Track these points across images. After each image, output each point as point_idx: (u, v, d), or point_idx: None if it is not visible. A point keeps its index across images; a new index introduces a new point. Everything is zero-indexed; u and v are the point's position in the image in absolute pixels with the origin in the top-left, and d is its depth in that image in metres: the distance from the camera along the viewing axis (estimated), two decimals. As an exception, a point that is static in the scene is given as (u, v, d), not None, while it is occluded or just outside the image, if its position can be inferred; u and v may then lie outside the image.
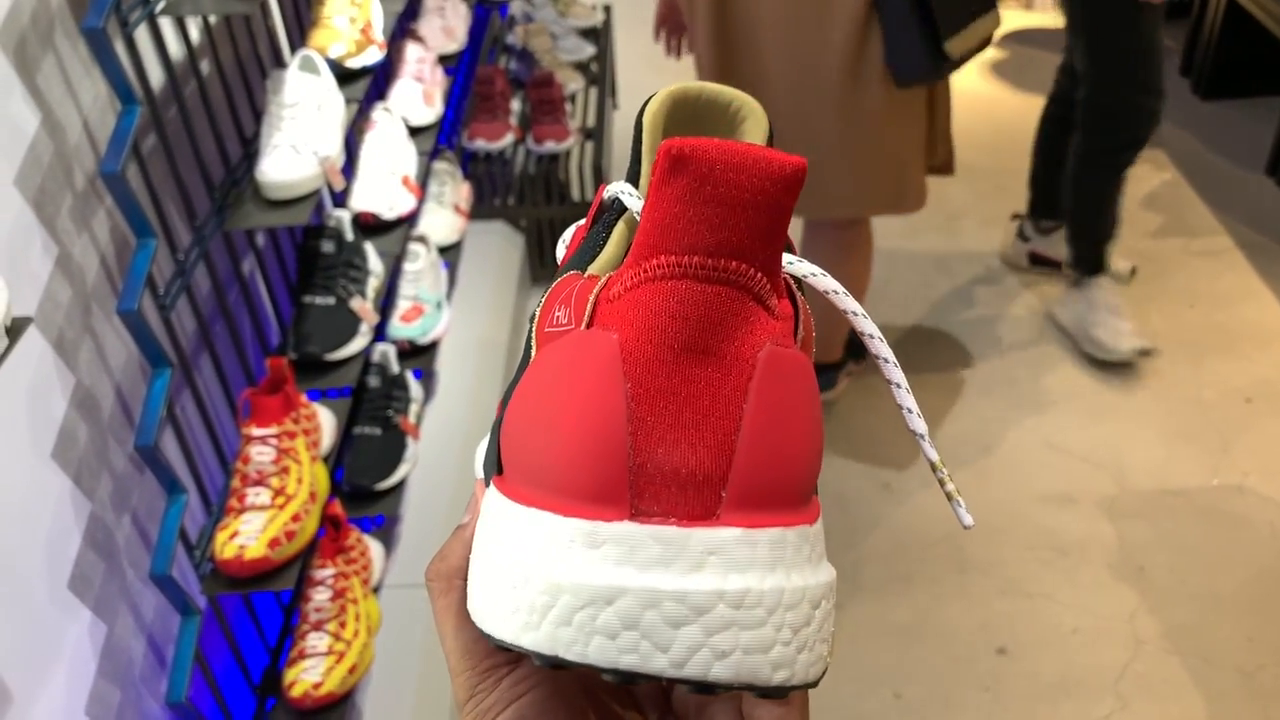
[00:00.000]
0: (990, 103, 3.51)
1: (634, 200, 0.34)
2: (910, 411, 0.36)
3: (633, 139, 0.36)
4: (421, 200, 1.93)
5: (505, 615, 0.27)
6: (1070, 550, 2.02)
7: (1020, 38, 3.90)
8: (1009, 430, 2.28)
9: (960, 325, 2.58)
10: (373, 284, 1.66)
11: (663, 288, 0.27)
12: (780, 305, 0.28)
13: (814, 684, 0.28)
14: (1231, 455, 2.19)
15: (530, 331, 0.33)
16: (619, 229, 0.34)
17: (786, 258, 0.32)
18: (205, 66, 1.46)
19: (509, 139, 2.62)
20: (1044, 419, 2.30)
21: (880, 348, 0.35)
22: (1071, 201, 2.41)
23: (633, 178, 0.35)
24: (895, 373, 0.35)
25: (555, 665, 0.26)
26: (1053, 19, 4.03)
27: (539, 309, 0.32)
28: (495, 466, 0.32)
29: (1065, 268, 2.56)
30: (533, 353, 0.32)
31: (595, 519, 0.26)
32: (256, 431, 1.30)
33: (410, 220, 1.86)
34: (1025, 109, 3.45)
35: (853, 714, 1.78)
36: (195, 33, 1.44)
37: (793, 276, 0.33)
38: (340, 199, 1.78)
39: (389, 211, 1.79)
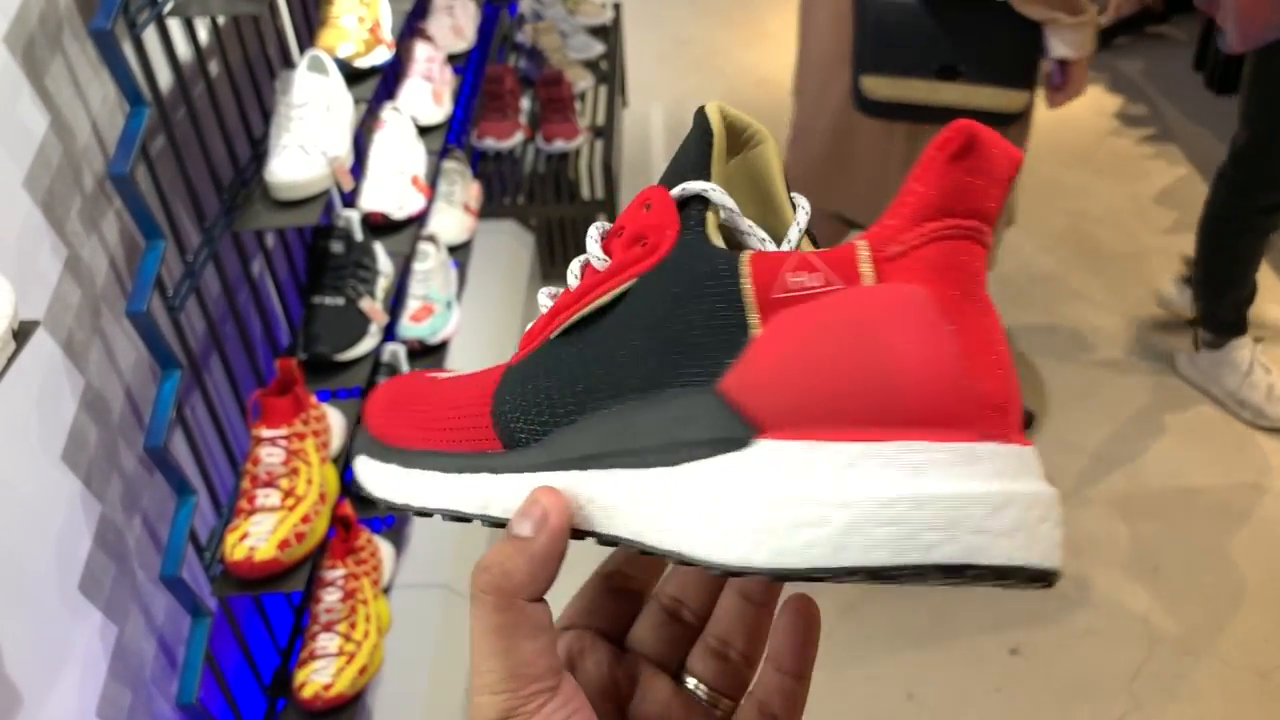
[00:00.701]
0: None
1: (720, 194, 0.37)
2: None
3: (695, 140, 0.38)
4: (431, 200, 1.93)
5: (879, 541, 0.30)
6: (1084, 550, 2.01)
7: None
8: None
9: (972, 323, 2.56)
10: (382, 284, 1.66)
11: (952, 246, 0.32)
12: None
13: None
14: (1247, 453, 2.17)
15: (733, 293, 0.34)
16: (709, 220, 0.37)
17: None
18: (214, 67, 1.46)
19: (518, 138, 2.62)
20: (1057, 417, 2.29)
21: None
22: (1214, 261, 2.24)
23: (696, 174, 0.37)
24: None
25: (954, 571, 0.30)
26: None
27: (744, 282, 0.34)
28: (733, 431, 0.33)
29: (1195, 327, 2.39)
30: (752, 321, 0.34)
31: (967, 440, 0.31)
32: (266, 433, 1.30)
33: (420, 220, 1.85)
34: (1036, 105, 3.44)
35: (866, 714, 1.78)
36: (204, 34, 1.44)
37: None
38: (349, 199, 1.78)
39: (398, 211, 1.79)
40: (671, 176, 0.38)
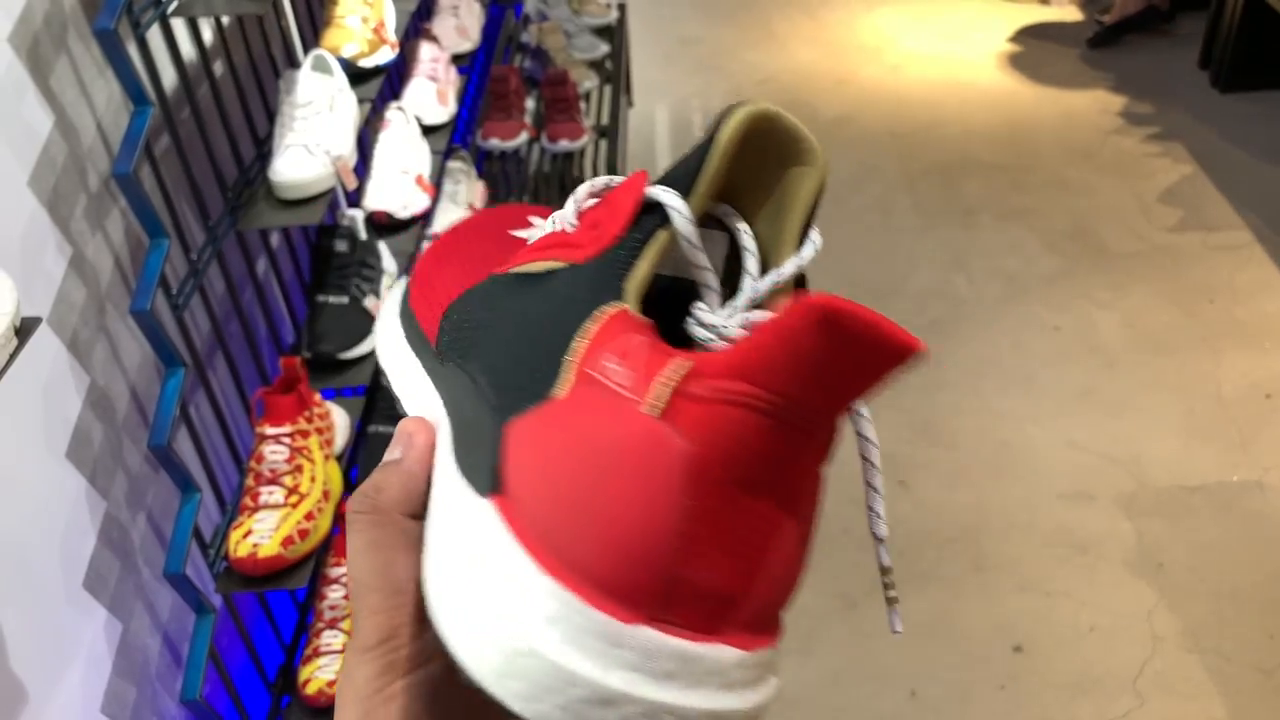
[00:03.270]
0: (1006, 97, 3.49)
1: (683, 221, 0.32)
2: (881, 518, 0.36)
3: (702, 147, 0.33)
4: (435, 199, 1.93)
5: (498, 672, 0.28)
6: (1088, 547, 2.01)
7: (1036, 32, 3.88)
8: (1026, 427, 2.26)
9: (977, 321, 2.56)
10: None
11: (751, 420, 0.27)
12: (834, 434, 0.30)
13: None
14: (1251, 451, 2.17)
15: (568, 343, 0.31)
16: (659, 239, 0.32)
17: None
18: (218, 67, 1.47)
19: (523, 137, 2.62)
20: (1062, 416, 2.29)
21: (870, 450, 0.35)
22: None
23: (683, 186, 0.33)
24: (875, 476, 0.36)
25: None
26: (1067, 14, 4.00)
27: (580, 340, 0.31)
28: (486, 474, 0.31)
29: None
30: (565, 380, 0.30)
31: (619, 619, 0.27)
32: (270, 430, 1.30)
33: (424, 219, 1.86)
34: (1040, 104, 3.44)
35: (869, 712, 1.78)
36: (208, 33, 1.45)
37: None
38: (354, 198, 1.78)
39: (403, 211, 1.80)
40: (668, 172, 0.34)
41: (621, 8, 3.34)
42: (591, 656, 0.27)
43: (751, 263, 0.34)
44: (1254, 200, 2.89)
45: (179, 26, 1.35)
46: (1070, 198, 2.99)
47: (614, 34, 3.22)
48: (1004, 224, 2.90)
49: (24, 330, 0.76)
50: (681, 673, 0.27)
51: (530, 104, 2.77)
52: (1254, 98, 3.33)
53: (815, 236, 0.35)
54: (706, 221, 0.36)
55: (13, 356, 0.74)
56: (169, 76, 1.32)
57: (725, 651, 0.28)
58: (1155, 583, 1.93)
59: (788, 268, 0.33)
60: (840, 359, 0.27)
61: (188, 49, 1.38)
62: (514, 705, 0.27)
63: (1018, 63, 3.70)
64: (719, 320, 0.32)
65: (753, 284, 0.33)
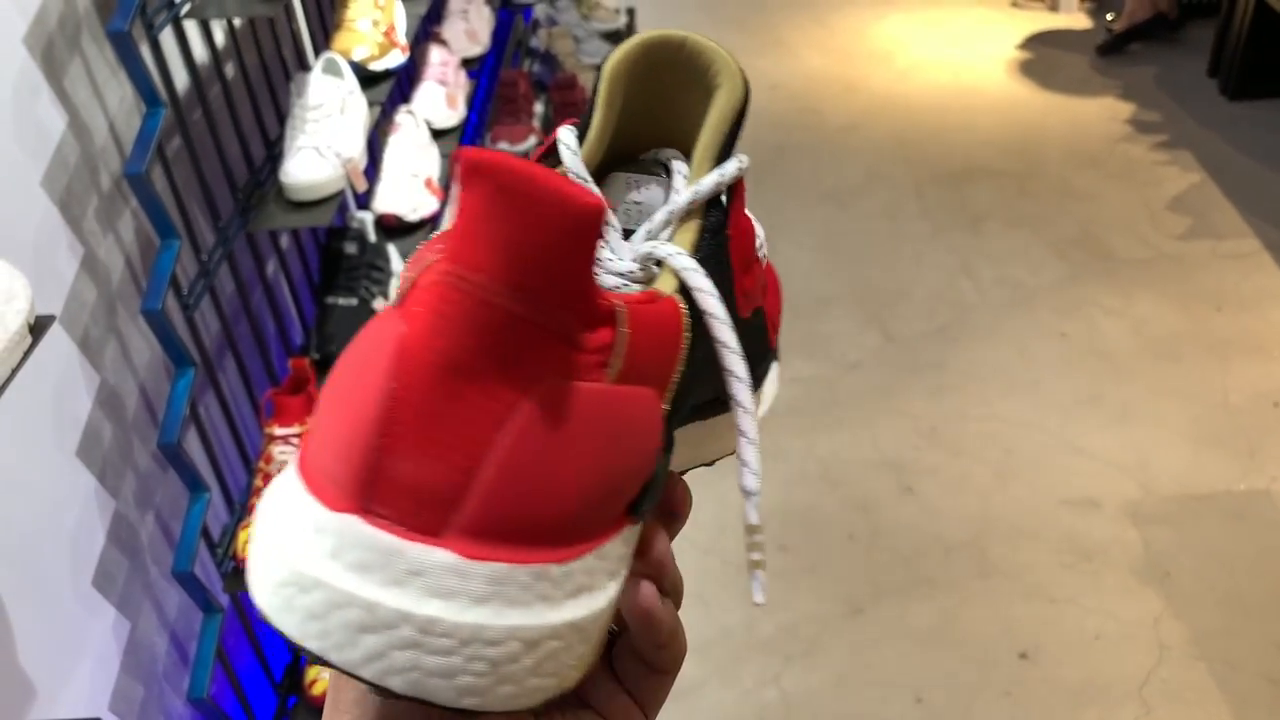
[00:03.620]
0: (1014, 105, 3.49)
1: (569, 154, 0.32)
2: (748, 467, 0.34)
3: (592, 87, 0.34)
4: (444, 202, 1.94)
5: (252, 569, 0.28)
6: (1094, 554, 2.00)
7: (1044, 40, 3.87)
8: (1033, 433, 2.26)
9: (983, 327, 2.56)
10: (395, 285, 1.67)
11: (449, 297, 0.26)
12: (588, 335, 0.27)
13: (524, 711, 0.28)
14: (1259, 459, 2.16)
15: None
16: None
17: (665, 249, 0.32)
18: (230, 69, 1.48)
19: (532, 141, 2.63)
20: (1068, 422, 2.28)
21: (737, 387, 0.33)
22: None
23: (582, 129, 0.34)
24: (747, 422, 0.33)
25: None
26: (1076, 21, 4.00)
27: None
28: None
29: None
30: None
31: (326, 506, 0.26)
32: (279, 431, 1.31)
33: (433, 222, 1.87)
34: (1050, 110, 3.44)
35: (873, 718, 1.78)
36: (220, 35, 1.46)
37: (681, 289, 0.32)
38: (363, 201, 1.79)
39: (412, 213, 1.80)
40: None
41: (630, 13, 3.35)
42: (301, 543, 0.26)
43: (675, 195, 0.33)
44: (1263, 208, 2.88)
45: (191, 29, 1.36)
46: (1078, 205, 2.99)
47: (623, 39, 3.22)
48: (1011, 230, 2.89)
49: (38, 328, 0.77)
50: (378, 565, 0.25)
51: (539, 108, 2.77)
52: (1263, 106, 3.32)
53: (740, 156, 0.34)
54: (653, 169, 0.36)
55: (26, 354, 0.75)
56: (181, 78, 1.33)
57: (435, 553, 0.26)
58: (1162, 590, 1.93)
59: (703, 184, 0.32)
60: (504, 218, 0.25)
61: (200, 51, 1.39)
62: (255, 597, 0.27)
63: (1026, 70, 3.70)
64: (604, 254, 0.32)
65: (665, 210, 0.33)
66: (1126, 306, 2.60)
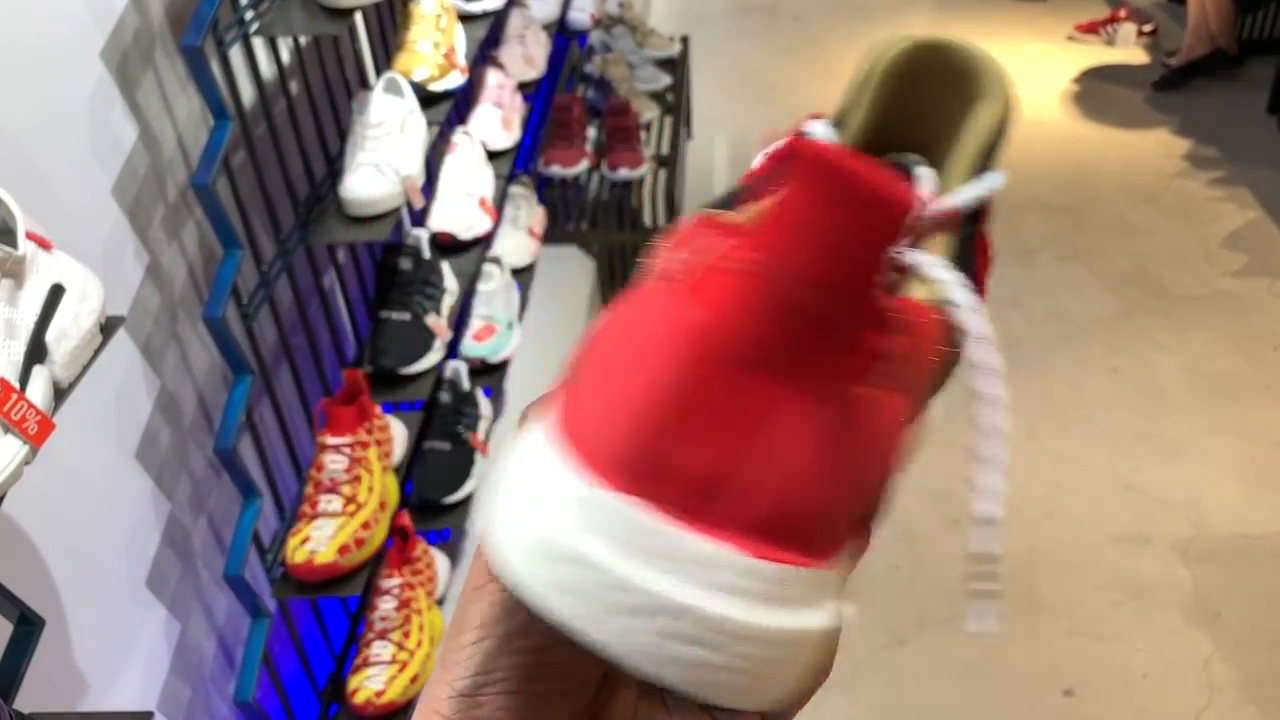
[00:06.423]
0: (1069, 139, 3.47)
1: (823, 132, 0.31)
2: (995, 495, 0.32)
3: (856, 81, 0.33)
4: (497, 223, 1.96)
5: (500, 531, 0.27)
6: (1143, 592, 1.97)
7: (1101, 74, 3.85)
8: (1083, 468, 2.24)
9: (1034, 361, 2.54)
10: (448, 302, 1.69)
11: (757, 289, 0.25)
12: (871, 339, 0.27)
13: (770, 714, 0.27)
14: (1315, 501, 2.13)
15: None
16: None
17: (928, 263, 0.30)
18: (294, 86, 1.51)
19: (584, 165, 2.65)
20: (1119, 458, 2.26)
21: (997, 414, 0.31)
22: None
23: (837, 124, 0.33)
24: (999, 448, 0.31)
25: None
26: (1133, 56, 3.98)
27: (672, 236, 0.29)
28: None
29: None
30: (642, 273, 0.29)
31: (602, 481, 0.25)
32: (331, 440, 1.33)
33: (486, 241, 1.89)
34: (1105, 145, 3.42)
35: (914, 750, 1.76)
36: (286, 53, 1.49)
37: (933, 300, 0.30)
38: (419, 218, 1.82)
39: (466, 232, 1.83)
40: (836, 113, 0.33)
41: (684, 41, 3.38)
42: (567, 516, 0.25)
43: (939, 202, 0.32)
44: (1322, 247, 2.84)
45: (259, 45, 1.39)
46: (1132, 240, 2.96)
47: (676, 66, 3.25)
48: (1064, 264, 2.87)
49: (108, 328, 0.79)
50: (653, 550, 0.25)
51: (592, 133, 2.80)
52: (1324, 144, 3.28)
53: (997, 173, 0.32)
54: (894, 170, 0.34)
55: (96, 353, 0.77)
56: (248, 93, 1.36)
57: (723, 548, 0.25)
58: (1212, 631, 1.89)
59: (958, 197, 0.31)
60: (828, 215, 0.25)
61: (266, 67, 1.42)
62: (510, 570, 0.26)
63: (1082, 104, 3.67)
64: None
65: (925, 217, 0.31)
66: (1180, 343, 2.56)
